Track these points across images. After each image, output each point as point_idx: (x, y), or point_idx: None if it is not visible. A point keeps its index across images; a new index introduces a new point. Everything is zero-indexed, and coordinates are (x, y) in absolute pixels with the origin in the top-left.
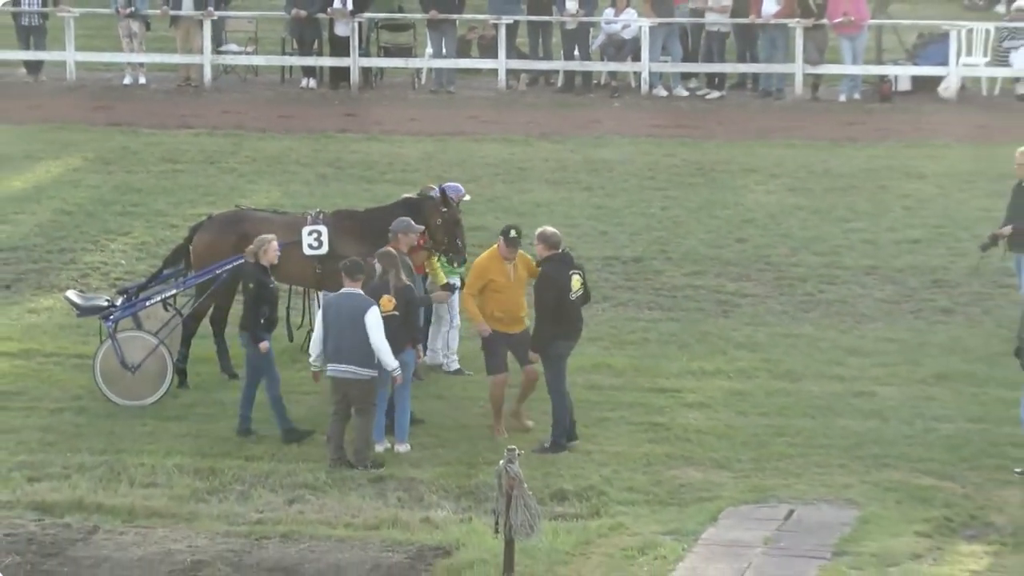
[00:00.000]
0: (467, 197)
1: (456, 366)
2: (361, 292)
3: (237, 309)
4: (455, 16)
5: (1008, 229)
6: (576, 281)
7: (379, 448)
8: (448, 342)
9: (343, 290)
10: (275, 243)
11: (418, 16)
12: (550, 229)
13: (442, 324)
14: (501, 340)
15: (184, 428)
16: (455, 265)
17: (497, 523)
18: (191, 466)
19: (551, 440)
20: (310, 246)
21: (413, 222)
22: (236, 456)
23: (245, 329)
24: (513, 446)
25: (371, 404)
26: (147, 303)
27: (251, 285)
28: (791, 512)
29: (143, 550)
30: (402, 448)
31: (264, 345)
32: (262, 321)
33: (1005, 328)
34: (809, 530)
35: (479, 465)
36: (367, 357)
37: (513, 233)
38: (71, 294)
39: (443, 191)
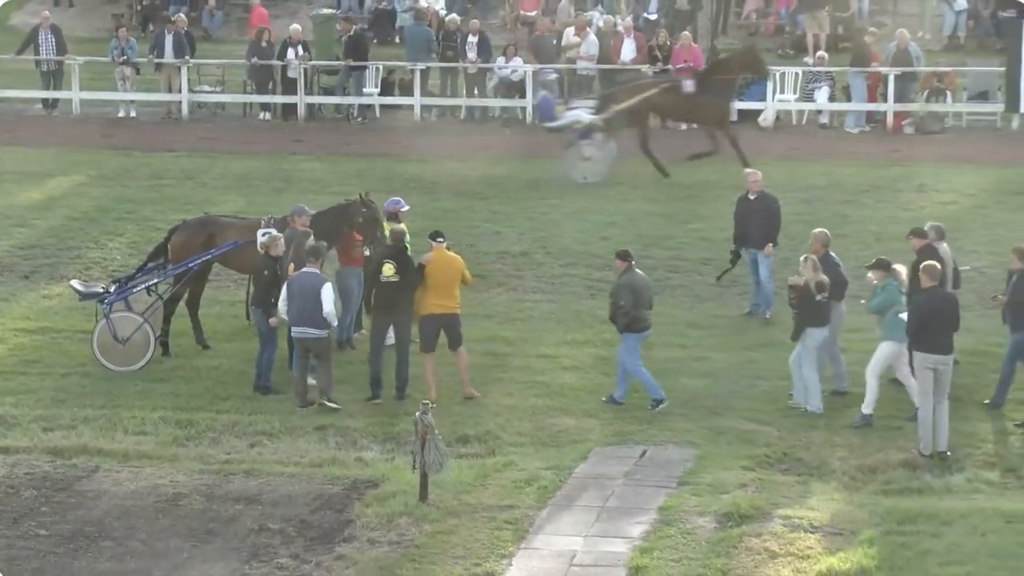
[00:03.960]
0: (406, 208)
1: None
2: (319, 271)
3: (208, 293)
4: (377, 63)
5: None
6: (388, 268)
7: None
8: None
9: (304, 269)
10: (282, 240)
11: (350, 63)
12: (395, 226)
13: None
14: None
15: (167, 388)
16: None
17: (414, 461)
18: (173, 418)
19: (371, 393)
20: (263, 244)
21: (307, 208)
22: (208, 410)
23: (258, 307)
24: (426, 401)
25: (329, 355)
26: (134, 290)
27: (265, 273)
28: (645, 452)
29: (135, 485)
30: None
31: (273, 320)
32: (272, 300)
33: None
34: (659, 465)
35: (400, 416)
36: (322, 321)
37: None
38: (74, 283)
39: (361, 196)
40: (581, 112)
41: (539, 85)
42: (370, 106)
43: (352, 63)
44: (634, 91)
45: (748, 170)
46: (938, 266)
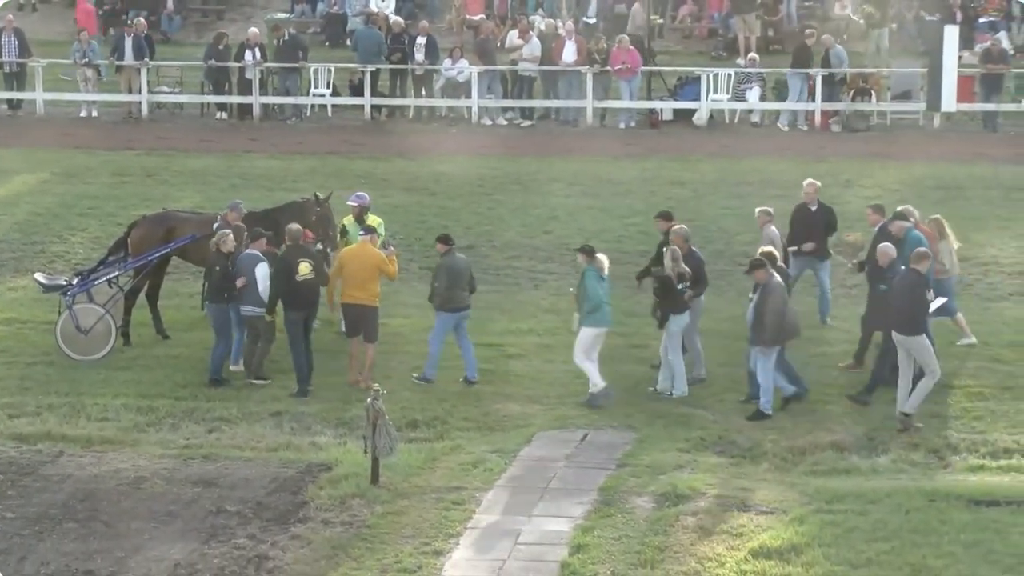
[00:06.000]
0: (353, 203)
1: None
2: (259, 253)
3: (167, 285)
4: (328, 64)
5: (810, 245)
6: (304, 267)
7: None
8: None
9: (248, 250)
10: (231, 237)
11: (300, 64)
12: (294, 226)
13: None
14: (346, 309)
15: (128, 376)
16: (329, 250)
17: (366, 445)
18: (134, 405)
19: (298, 388)
20: (213, 241)
21: (242, 204)
22: (168, 397)
23: (212, 302)
24: (377, 386)
25: (265, 335)
26: (96, 282)
27: (217, 268)
28: (586, 435)
29: (98, 469)
30: (234, 367)
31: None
32: (224, 296)
33: (744, 296)
34: (599, 448)
35: (352, 402)
36: (258, 299)
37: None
38: (38, 276)
39: (316, 195)
40: None
41: None
42: (322, 106)
43: (285, 65)
44: None
45: (807, 180)
46: (894, 248)
